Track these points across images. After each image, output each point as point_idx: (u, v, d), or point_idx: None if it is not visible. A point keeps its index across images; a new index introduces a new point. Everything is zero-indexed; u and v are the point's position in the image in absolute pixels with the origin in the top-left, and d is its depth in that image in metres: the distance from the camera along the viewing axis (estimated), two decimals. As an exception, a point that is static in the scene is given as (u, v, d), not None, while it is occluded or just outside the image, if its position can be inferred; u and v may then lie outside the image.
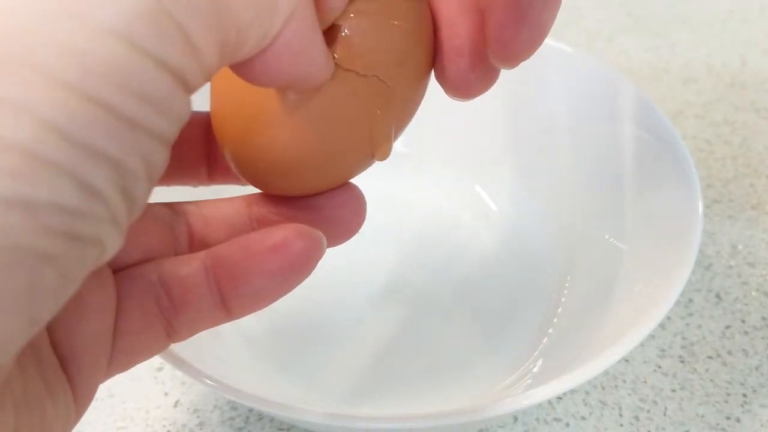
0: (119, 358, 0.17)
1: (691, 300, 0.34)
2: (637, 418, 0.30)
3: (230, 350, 0.30)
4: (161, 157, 0.12)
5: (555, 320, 0.32)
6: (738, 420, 0.30)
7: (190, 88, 0.12)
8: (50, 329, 0.16)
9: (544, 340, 0.31)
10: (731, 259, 0.36)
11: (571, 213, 0.34)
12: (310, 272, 0.18)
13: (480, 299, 0.34)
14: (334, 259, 0.33)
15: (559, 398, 0.30)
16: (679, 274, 0.25)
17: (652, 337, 0.32)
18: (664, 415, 0.30)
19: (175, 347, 0.24)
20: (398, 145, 0.24)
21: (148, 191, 0.13)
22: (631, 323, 0.25)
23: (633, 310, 0.26)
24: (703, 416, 0.30)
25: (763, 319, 0.33)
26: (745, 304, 0.34)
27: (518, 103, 0.36)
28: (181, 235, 0.20)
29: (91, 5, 0.11)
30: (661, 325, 0.33)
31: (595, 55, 0.35)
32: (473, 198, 0.37)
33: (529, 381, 0.29)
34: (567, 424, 0.30)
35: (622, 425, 0.30)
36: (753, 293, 0.34)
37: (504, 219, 0.37)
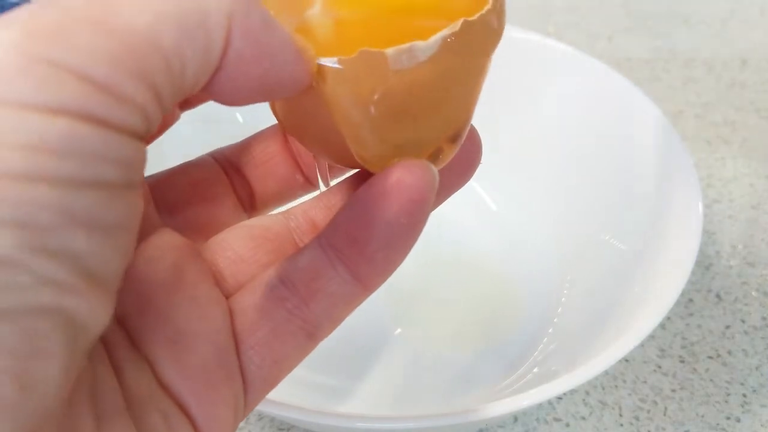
0: (258, 377, 0.17)
1: (691, 300, 0.34)
2: (637, 418, 0.30)
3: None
4: (106, 204, 0.11)
5: (555, 320, 0.32)
6: (738, 420, 0.30)
7: (117, 127, 0.11)
8: (153, 368, 0.15)
9: (544, 340, 0.31)
10: (731, 259, 0.36)
11: (571, 213, 0.34)
12: (428, 210, 0.16)
13: (480, 299, 0.34)
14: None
15: (559, 398, 0.30)
16: (679, 274, 0.25)
17: (652, 337, 0.32)
18: (664, 415, 0.30)
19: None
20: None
21: (106, 241, 0.11)
22: (631, 323, 0.25)
23: (633, 310, 0.26)
24: (703, 416, 0.30)
25: (763, 319, 0.33)
26: (745, 304, 0.34)
27: (518, 103, 0.36)
28: (304, 237, 0.19)
29: None
30: (661, 325, 0.33)
31: (595, 55, 0.35)
32: (473, 198, 0.37)
33: (529, 381, 0.29)
34: (567, 424, 0.30)
35: (622, 425, 0.30)
36: (753, 293, 0.34)
37: (504, 219, 0.37)
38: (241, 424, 0.30)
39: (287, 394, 0.29)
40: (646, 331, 0.24)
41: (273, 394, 0.23)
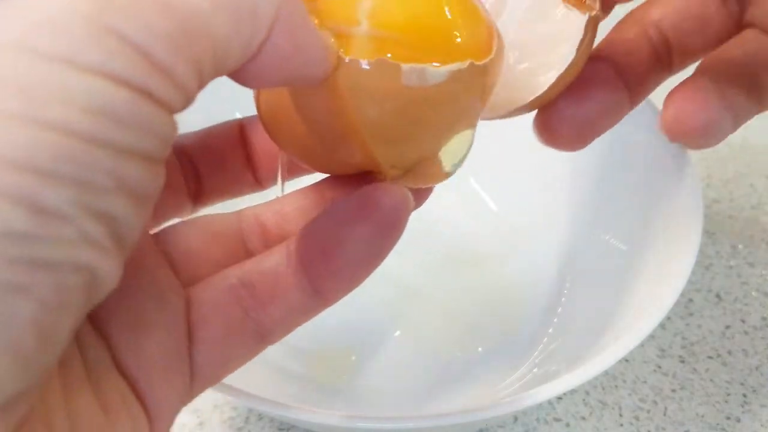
0: (205, 370, 0.17)
1: (691, 300, 0.34)
2: (637, 418, 0.30)
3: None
4: (145, 175, 0.12)
5: (555, 320, 0.32)
6: (738, 420, 0.30)
7: (165, 105, 0.12)
8: (112, 350, 0.15)
9: (544, 339, 0.31)
10: (731, 259, 0.36)
11: (571, 213, 0.34)
12: (401, 233, 0.16)
13: (479, 299, 0.34)
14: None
15: (559, 398, 0.30)
16: (679, 274, 0.25)
17: (652, 337, 0.32)
18: (664, 415, 0.30)
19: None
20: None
21: (137, 210, 0.12)
22: (631, 323, 0.25)
23: (633, 310, 0.26)
24: (703, 416, 0.30)
25: (763, 319, 0.33)
26: (745, 304, 0.34)
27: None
28: (253, 239, 0.19)
29: (25, 34, 0.11)
30: (661, 325, 0.33)
31: (595, 55, 0.36)
32: (473, 198, 0.37)
33: (529, 381, 0.29)
34: (567, 424, 0.30)
35: (622, 425, 0.30)
36: (753, 293, 0.34)
37: (504, 219, 0.37)
38: (241, 423, 0.30)
39: (288, 395, 0.29)
40: (646, 331, 0.24)
41: (273, 395, 0.23)
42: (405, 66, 0.15)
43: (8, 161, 0.10)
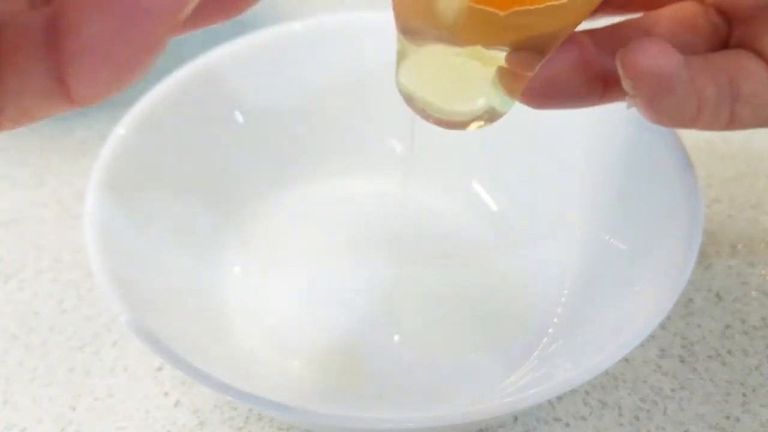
0: None
1: (691, 300, 0.34)
2: (637, 418, 0.30)
3: (230, 350, 0.30)
4: None
5: (555, 320, 0.32)
6: (738, 420, 0.30)
7: None
8: None
9: (544, 340, 0.31)
10: (731, 259, 0.36)
11: (571, 213, 0.34)
12: (166, 27, 0.13)
13: (480, 299, 0.34)
14: (330, 259, 0.33)
15: (559, 398, 0.30)
16: (679, 274, 0.25)
17: (652, 337, 0.32)
18: (664, 415, 0.30)
19: (175, 347, 0.24)
20: (396, 144, 0.24)
21: None
22: (631, 323, 0.25)
23: (633, 310, 0.26)
24: (703, 416, 0.30)
25: (763, 319, 0.33)
26: (745, 304, 0.34)
27: (518, 104, 0.36)
28: None
29: None
30: (661, 325, 0.33)
31: (595, 55, 0.36)
32: (473, 198, 0.37)
33: (529, 381, 0.29)
34: (567, 424, 0.30)
35: (622, 425, 0.30)
36: (753, 293, 0.34)
37: (504, 219, 0.37)
38: (241, 423, 0.30)
39: (288, 395, 0.29)
40: (646, 331, 0.24)
41: (274, 395, 0.23)
42: None
43: None
